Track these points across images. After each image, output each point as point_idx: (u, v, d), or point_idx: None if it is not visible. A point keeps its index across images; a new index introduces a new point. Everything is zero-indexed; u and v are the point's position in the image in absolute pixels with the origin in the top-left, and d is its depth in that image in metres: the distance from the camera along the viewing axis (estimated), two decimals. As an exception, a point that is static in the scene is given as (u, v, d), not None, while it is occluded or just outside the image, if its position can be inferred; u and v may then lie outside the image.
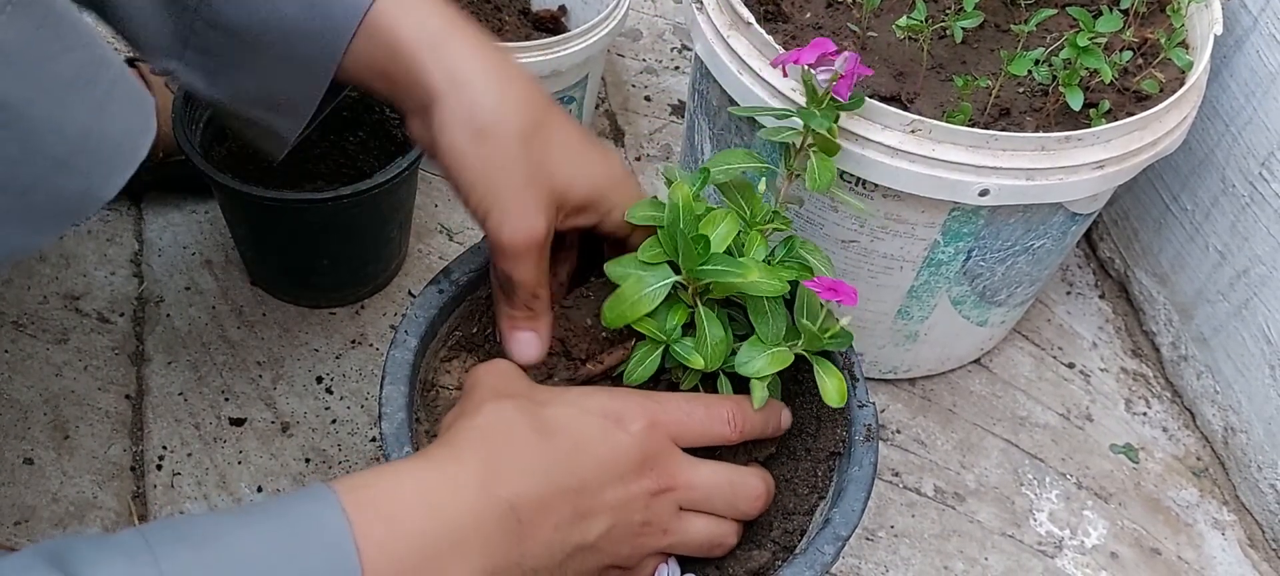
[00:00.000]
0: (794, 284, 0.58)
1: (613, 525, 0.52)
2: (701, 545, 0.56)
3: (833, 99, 0.62)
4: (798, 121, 0.62)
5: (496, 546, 0.47)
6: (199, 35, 0.56)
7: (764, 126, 0.66)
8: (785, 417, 0.61)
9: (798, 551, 0.58)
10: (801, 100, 0.65)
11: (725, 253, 0.57)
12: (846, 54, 0.61)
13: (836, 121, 0.62)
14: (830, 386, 0.57)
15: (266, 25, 0.55)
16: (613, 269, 0.58)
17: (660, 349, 0.58)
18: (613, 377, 0.60)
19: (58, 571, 0.37)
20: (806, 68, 0.61)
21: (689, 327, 0.58)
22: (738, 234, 0.58)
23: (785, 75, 0.67)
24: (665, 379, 0.61)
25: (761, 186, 0.61)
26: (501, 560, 0.48)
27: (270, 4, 0.54)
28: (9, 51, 0.35)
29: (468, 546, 0.46)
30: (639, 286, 0.56)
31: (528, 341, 0.59)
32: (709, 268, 0.56)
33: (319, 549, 0.43)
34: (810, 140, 0.62)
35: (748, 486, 0.57)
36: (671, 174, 0.59)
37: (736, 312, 0.59)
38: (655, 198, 0.61)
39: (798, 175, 0.63)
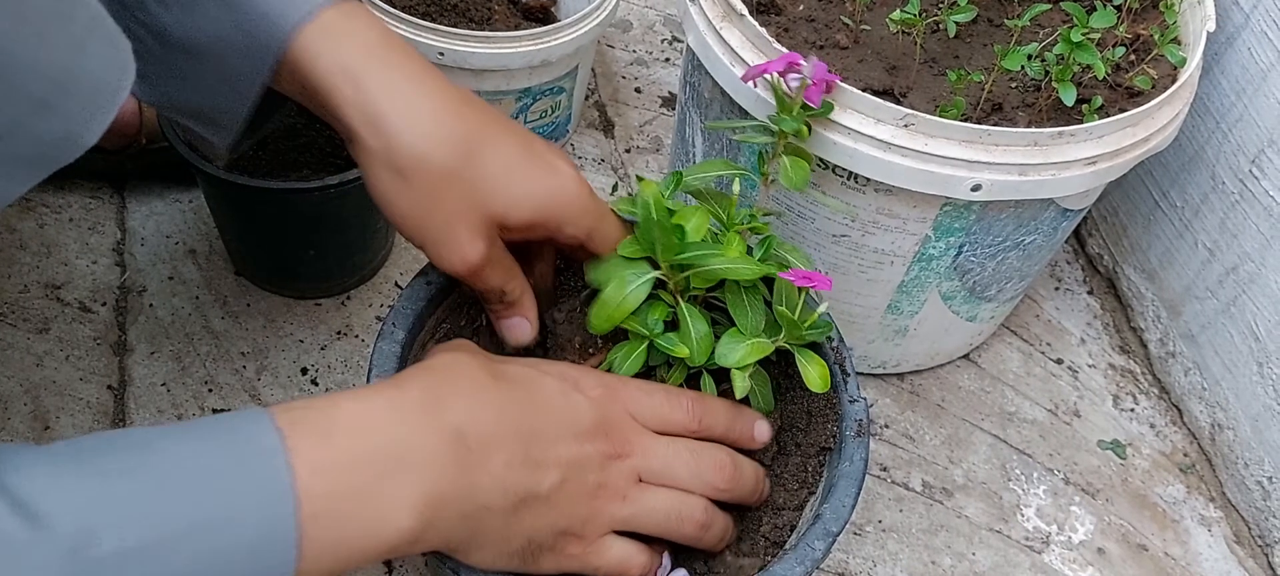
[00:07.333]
0: (772, 283, 0.58)
1: (565, 479, 0.50)
2: (665, 516, 0.54)
3: (805, 105, 0.63)
4: (772, 127, 0.63)
5: (442, 471, 0.46)
6: (133, 37, 0.55)
7: (736, 136, 0.66)
8: (760, 429, 0.60)
9: (788, 547, 0.58)
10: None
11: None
12: (814, 60, 0.62)
13: (807, 126, 0.64)
14: (812, 372, 0.57)
15: (199, 36, 0.54)
16: (593, 272, 0.58)
17: (645, 343, 0.58)
18: None
19: None
20: (776, 76, 0.62)
21: (672, 327, 0.58)
22: (714, 233, 0.59)
23: (755, 86, 0.67)
24: (652, 380, 0.61)
25: (735, 187, 0.61)
26: (448, 487, 0.46)
27: (205, 15, 0.53)
28: None
29: (408, 466, 0.45)
30: (621, 288, 0.57)
31: (517, 325, 0.60)
32: (687, 255, 0.56)
33: (249, 463, 0.42)
34: (782, 148, 0.63)
35: (712, 456, 0.56)
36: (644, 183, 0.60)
37: (717, 315, 0.59)
38: (631, 195, 0.62)
39: (773, 179, 0.63)
